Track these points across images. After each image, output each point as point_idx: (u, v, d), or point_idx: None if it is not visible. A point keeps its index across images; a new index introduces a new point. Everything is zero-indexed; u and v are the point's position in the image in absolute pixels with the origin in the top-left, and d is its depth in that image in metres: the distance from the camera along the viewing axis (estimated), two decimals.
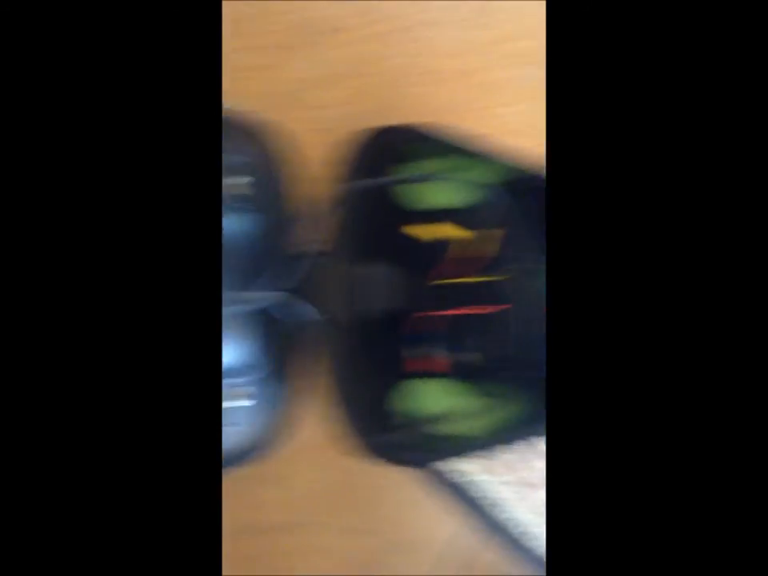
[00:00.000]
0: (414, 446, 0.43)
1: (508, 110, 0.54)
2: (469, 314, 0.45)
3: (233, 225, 0.42)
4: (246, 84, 0.51)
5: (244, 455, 0.41)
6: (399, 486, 0.51)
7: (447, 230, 0.44)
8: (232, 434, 0.41)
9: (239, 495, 0.50)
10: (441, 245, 0.44)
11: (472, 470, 0.55)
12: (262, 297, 0.42)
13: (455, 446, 0.43)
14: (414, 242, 0.45)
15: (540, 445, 0.54)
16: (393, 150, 0.44)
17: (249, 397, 0.43)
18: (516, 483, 0.57)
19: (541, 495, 0.53)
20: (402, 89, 0.53)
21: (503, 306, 0.44)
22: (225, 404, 0.41)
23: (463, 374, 0.46)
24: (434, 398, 0.45)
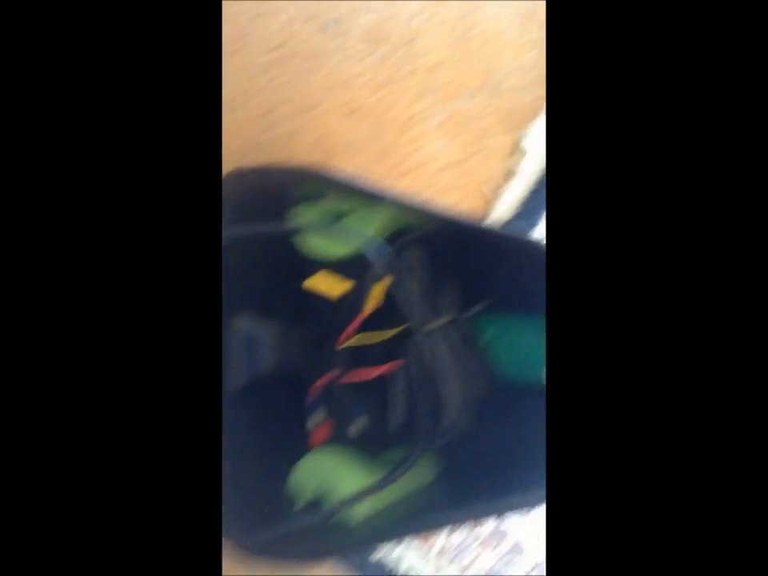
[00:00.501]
0: (322, 536, 0.37)
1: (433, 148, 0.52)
2: (364, 377, 0.40)
3: None
4: None
5: None
6: None
7: (341, 284, 0.39)
8: None
9: None
10: (338, 302, 0.39)
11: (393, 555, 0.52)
12: None
13: (370, 532, 0.37)
14: (311, 299, 0.40)
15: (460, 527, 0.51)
16: (286, 192, 0.39)
17: None
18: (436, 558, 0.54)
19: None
20: (308, 124, 0.49)
21: (396, 364, 0.40)
22: None
23: (366, 444, 0.41)
24: (337, 475, 0.40)
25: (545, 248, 0.34)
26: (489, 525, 0.55)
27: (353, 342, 0.38)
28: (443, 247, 0.40)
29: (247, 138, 0.47)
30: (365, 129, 0.50)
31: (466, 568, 0.53)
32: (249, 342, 0.39)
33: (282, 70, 0.47)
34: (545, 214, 0.55)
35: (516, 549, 0.55)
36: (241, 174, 0.36)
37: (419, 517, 0.37)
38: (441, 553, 0.53)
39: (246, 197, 0.37)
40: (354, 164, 0.49)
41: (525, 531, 0.56)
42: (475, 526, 0.55)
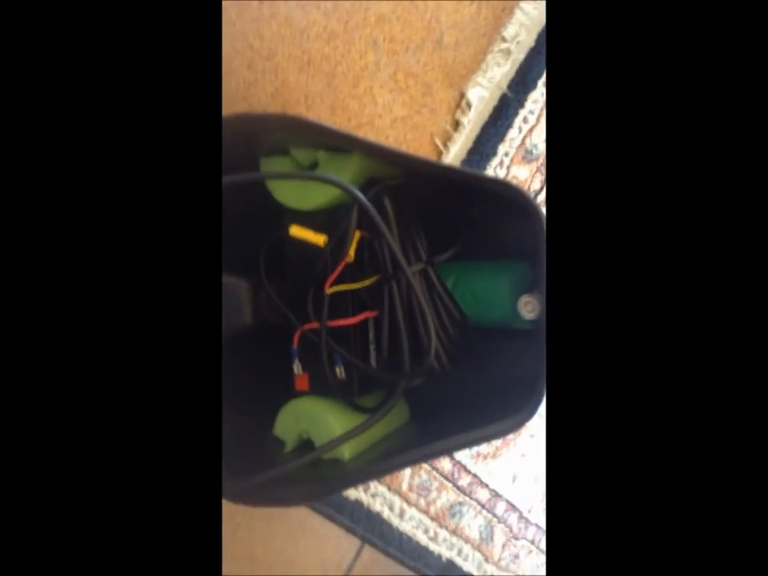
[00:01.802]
0: (304, 480, 0.38)
1: (384, 101, 0.53)
2: (350, 324, 0.41)
3: None
4: None
5: None
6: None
7: (318, 234, 0.39)
8: None
9: None
10: (315, 250, 0.39)
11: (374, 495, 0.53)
12: None
13: (352, 474, 0.39)
14: (289, 247, 0.41)
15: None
16: (259, 140, 0.38)
17: None
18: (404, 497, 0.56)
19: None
20: (263, 76, 0.48)
21: (373, 313, 0.41)
22: None
23: (346, 390, 0.42)
24: (318, 420, 0.41)
25: (526, 194, 0.36)
26: (446, 463, 0.59)
27: (339, 288, 0.39)
28: (414, 194, 0.42)
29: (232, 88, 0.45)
30: (319, 81, 0.50)
31: (432, 501, 0.56)
32: (227, 296, 0.39)
33: (238, 19, 0.46)
34: (493, 162, 0.58)
35: (475, 482, 0.59)
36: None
37: (398, 455, 0.39)
38: (409, 489, 0.55)
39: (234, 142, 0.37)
40: (312, 116, 0.48)
41: (482, 466, 0.60)
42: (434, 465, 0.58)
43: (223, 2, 0.45)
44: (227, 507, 0.46)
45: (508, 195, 0.35)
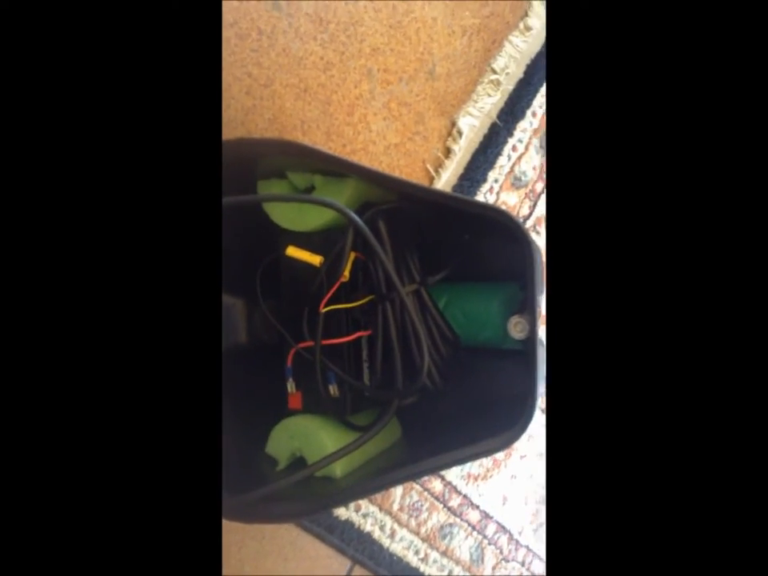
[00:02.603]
0: (296, 497, 0.39)
1: (377, 129, 0.54)
2: (341, 342, 0.41)
3: None
4: None
5: None
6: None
7: (314, 255, 0.40)
8: None
9: None
10: (310, 270, 0.40)
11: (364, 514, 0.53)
12: None
13: (338, 491, 0.39)
14: (284, 268, 0.41)
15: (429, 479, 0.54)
16: (257, 164, 0.40)
17: None
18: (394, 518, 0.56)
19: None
20: (262, 103, 0.49)
21: (372, 333, 0.42)
22: None
23: (338, 408, 0.43)
24: (312, 437, 0.41)
25: (514, 220, 0.37)
26: (437, 483, 0.59)
27: (334, 307, 0.40)
28: (407, 218, 0.43)
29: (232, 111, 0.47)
30: (315, 108, 0.52)
31: (423, 522, 0.57)
32: (223, 315, 0.40)
33: (238, 48, 0.47)
34: (483, 188, 0.59)
35: (466, 503, 0.60)
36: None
37: (390, 472, 0.39)
38: (400, 510, 0.56)
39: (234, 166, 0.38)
40: (308, 141, 0.50)
41: (472, 487, 0.60)
42: (426, 485, 0.58)
43: (224, 33, 0.46)
44: None
45: (498, 220, 0.37)
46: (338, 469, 0.41)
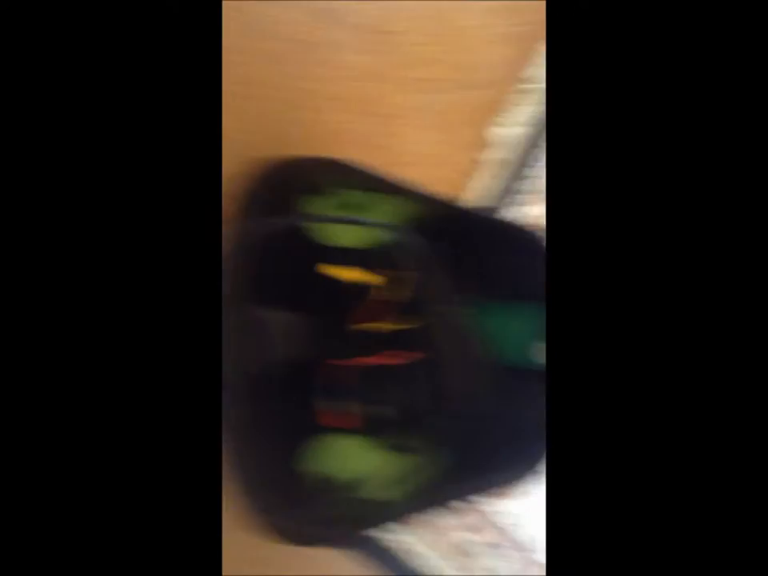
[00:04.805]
0: (332, 520, 0.38)
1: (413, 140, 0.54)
2: (383, 364, 0.41)
3: None
4: None
5: None
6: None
7: (358, 273, 0.40)
8: None
9: None
10: (353, 288, 0.40)
11: (400, 538, 0.53)
12: None
13: (376, 514, 0.39)
14: (326, 285, 0.41)
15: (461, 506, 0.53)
16: (299, 183, 0.39)
17: None
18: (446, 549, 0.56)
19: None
20: (301, 115, 0.49)
21: (417, 355, 0.42)
22: None
23: (377, 429, 0.42)
24: (349, 458, 0.41)
25: (538, 237, 0.37)
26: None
27: (372, 325, 0.40)
28: (449, 237, 0.42)
29: (244, 131, 0.46)
30: (354, 120, 0.51)
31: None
32: (261, 330, 0.40)
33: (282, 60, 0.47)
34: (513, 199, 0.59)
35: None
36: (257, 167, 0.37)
37: (422, 496, 0.39)
38: (449, 545, 0.55)
39: (260, 188, 0.38)
40: (345, 155, 0.49)
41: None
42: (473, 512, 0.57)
43: (262, 44, 0.46)
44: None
45: (524, 238, 0.36)
46: (378, 491, 0.40)
